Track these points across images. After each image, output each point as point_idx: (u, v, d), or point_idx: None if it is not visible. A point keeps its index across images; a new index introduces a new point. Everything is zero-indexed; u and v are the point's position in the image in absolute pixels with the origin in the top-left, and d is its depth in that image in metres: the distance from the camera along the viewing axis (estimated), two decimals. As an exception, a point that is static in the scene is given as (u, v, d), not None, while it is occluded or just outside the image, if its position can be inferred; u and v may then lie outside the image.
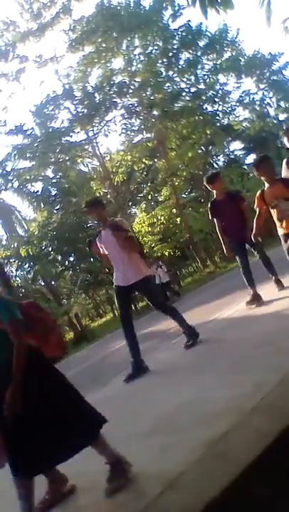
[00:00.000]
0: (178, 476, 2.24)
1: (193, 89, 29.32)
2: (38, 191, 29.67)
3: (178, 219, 31.29)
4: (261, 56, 29.78)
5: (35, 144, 26.52)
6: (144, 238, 31.52)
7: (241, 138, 38.74)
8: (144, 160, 31.56)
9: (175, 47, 27.84)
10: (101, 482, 2.59)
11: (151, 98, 28.31)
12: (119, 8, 26.34)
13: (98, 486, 2.60)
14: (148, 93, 28.28)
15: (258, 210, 5.75)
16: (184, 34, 27.43)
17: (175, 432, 2.88)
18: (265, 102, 31.15)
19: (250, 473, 2.03)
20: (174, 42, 27.72)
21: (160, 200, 33.68)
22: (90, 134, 28.62)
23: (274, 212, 5.39)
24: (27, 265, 29.73)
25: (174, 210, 31.43)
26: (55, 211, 28.84)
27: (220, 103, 30.34)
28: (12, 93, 31.84)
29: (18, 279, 31.16)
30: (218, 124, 30.86)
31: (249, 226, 6.17)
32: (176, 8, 26.20)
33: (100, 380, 6.84)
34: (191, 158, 31.14)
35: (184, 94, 29.28)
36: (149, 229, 31.77)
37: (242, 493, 2.00)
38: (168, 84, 28.81)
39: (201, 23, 27.20)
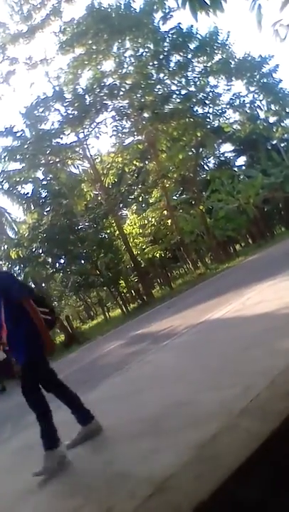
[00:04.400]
0: (167, 478, 2.24)
1: (183, 92, 29.43)
2: (28, 193, 29.56)
3: (169, 221, 31.36)
4: (251, 59, 29.96)
5: (26, 146, 26.46)
6: (135, 240, 31.56)
7: (232, 140, 38.93)
8: (134, 162, 31.60)
9: (166, 49, 27.93)
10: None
11: (142, 100, 28.36)
12: (109, 10, 26.36)
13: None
14: (139, 95, 28.33)
15: None
16: (174, 36, 27.53)
17: (164, 434, 2.88)
18: (256, 105, 31.33)
19: (239, 475, 2.03)
20: (165, 44, 27.81)
21: (151, 201, 33.74)
22: (81, 135, 28.62)
23: None
24: (17, 267, 29.55)
25: (165, 212, 31.50)
26: (45, 213, 28.72)
27: (210, 105, 30.47)
28: (2, 95, 31.62)
29: (8, 281, 30.95)
30: (208, 126, 30.98)
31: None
32: (167, 11, 26.29)
33: (91, 383, 6.81)
34: (181, 160, 31.23)
35: (174, 96, 29.39)
36: (140, 230, 31.82)
37: (231, 495, 2.00)
38: (158, 86, 28.89)
39: (191, 26, 27.38)
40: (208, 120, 31.02)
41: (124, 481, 2.52)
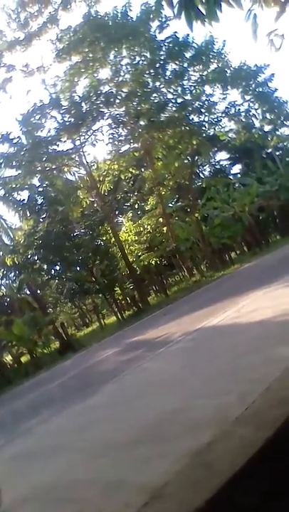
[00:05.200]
0: (163, 486, 2.23)
1: (179, 100, 29.59)
2: (24, 200, 29.56)
3: (164, 228, 31.41)
4: (247, 68, 30.19)
5: (22, 153, 26.50)
6: (131, 247, 31.57)
7: (227, 148, 39.19)
8: (130, 169, 31.71)
9: (162, 58, 28.10)
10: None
11: (138, 108, 28.50)
12: (106, 18, 26.52)
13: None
14: (135, 103, 28.47)
15: None
16: (170, 45, 27.72)
17: (160, 442, 2.88)
18: (251, 114, 31.57)
19: (234, 483, 2.03)
20: (161, 53, 27.99)
21: (147, 209, 33.81)
22: (77, 143, 28.69)
23: None
24: (12, 274, 29.52)
25: (161, 219, 31.53)
26: (41, 220, 28.72)
27: (206, 114, 30.66)
28: (-2, 102, 31.73)
29: (3, 288, 30.93)
30: (204, 135, 31.15)
31: None
32: (163, 20, 26.49)
33: (87, 390, 6.80)
34: (177, 168, 31.36)
35: (170, 104, 29.55)
36: (136, 238, 31.84)
37: (226, 503, 2.00)
38: (155, 94, 29.06)
39: (187, 35, 27.58)
40: (203, 128, 31.19)
41: (120, 488, 2.51)
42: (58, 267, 30.10)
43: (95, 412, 4.90)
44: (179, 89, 29.38)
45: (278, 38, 6.40)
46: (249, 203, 32.93)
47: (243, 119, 31.49)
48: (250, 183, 33.82)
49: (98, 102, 27.64)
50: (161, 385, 4.64)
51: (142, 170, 33.23)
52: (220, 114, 31.19)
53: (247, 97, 30.81)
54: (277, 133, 34.77)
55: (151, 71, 28.31)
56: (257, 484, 2.16)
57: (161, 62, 28.24)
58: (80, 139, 28.55)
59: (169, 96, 29.69)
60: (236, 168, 43.61)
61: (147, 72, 28.38)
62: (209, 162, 39.93)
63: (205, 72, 29.39)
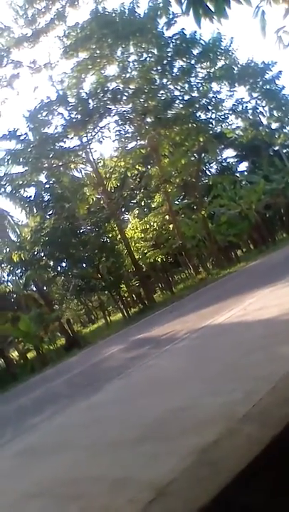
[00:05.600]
0: (169, 483, 2.23)
1: (186, 97, 29.53)
2: (30, 196, 29.69)
3: (171, 225, 31.40)
4: (254, 65, 30.06)
5: (29, 149, 26.57)
6: (137, 244, 31.59)
7: (234, 146, 39.09)
8: (137, 166, 31.71)
9: (169, 55, 28.04)
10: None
11: (145, 105, 28.48)
12: (113, 15, 26.50)
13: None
14: (142, 100, 28.45)
15: None
16: (178, 42, 27.65)
17: (165, 439, 2.87)
18: (258, 111, 31.45)
19: (240, 480, 2.02)
20: (168, 50, 27.93)
21: (153, 206, 33.81)
22: (84, 139, 28.73)
23: None
24: (19, 270, 29.65)
25: (167, 217, 31.52)
26: (47, 216, 28.82)
27: (213, 111, 30.57)
28: (5, 98, 31.77)
29: (9, 284, 31.07)
30: (211, 132, 31.07)
31: None
32: (171, 16, 26.42)
33: (92, 386, 6.81)
34: (184, 165, 31.31)
35: (177, 101, 29.49)
36: (142, 235, 31.87)
37: (232, 501, 1.99)
38: (162, 91, 29.00)
39: (195, 32, 27.51)
40: (210, 126, 31.11)
41: (125, 486, 2.51)
42: (64, 264, 30.24)
43: (100, 409, 4.91)
44: (186, 86, 29.31)
45: (287, 34, 6.38)
46: (256, 201, 32.83)
47: (250, 117, 31.39)
48: (257, 180, 33.71)
49: (105, 99, 27.64)
50: (167, 383, 4.63)
51: (149, 167, 33.21)
52: (227, 112, 31.14)
53: (254, 95, 30.70)
54: (285, 130, 34.59)
55: (159, 68, 28.26)
56: (263, 482, 2.16)
57: (169, 59, 28.18)
58: (86, 136, 28.58)
59: (176, 93, 29.66)
60: (243, 166, 43.53)
61: (154, 68, 28.33)
62: (216, 159, 39.88)
63: (212, 69, 29.30)
